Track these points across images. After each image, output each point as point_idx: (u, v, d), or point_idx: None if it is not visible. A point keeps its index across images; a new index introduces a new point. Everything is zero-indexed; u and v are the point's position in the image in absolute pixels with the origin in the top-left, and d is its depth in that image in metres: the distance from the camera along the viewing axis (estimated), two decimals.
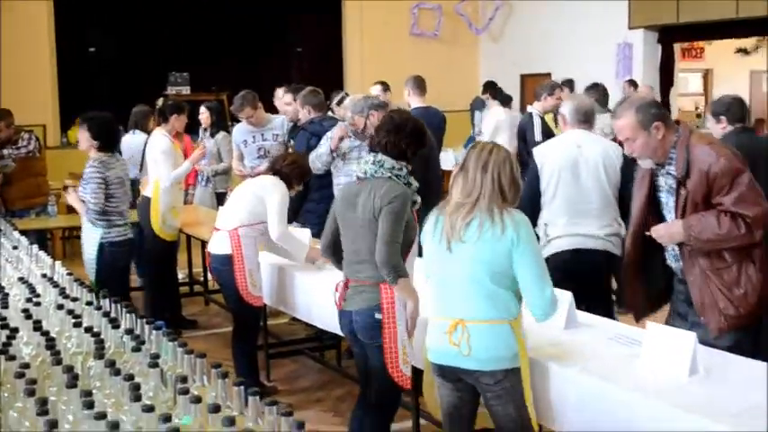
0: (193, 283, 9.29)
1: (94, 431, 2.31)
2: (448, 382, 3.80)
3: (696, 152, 4.02)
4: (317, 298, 5.29)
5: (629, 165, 5.43)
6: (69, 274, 4.29)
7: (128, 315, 3.37)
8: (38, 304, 3.66)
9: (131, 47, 14.81)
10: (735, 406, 3.15)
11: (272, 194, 5.70)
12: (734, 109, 5.65)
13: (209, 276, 7.87)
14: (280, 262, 5.94)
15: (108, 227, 6.23)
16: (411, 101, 8.00)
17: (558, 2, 15.60)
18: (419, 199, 4.36)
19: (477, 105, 14.40)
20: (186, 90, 14.62)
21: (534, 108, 8.83)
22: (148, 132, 8.53)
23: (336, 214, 4.40)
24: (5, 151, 8.67)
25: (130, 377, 2.62)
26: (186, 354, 2.83)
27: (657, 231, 4.16)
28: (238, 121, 8.40)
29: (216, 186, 9.53)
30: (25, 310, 3.50)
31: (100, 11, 14.66)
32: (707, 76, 20.59)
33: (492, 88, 14.76)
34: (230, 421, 2.25)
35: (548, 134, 8.12)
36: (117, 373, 2.67)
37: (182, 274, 9.04)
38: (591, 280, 5.38)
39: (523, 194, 4.49)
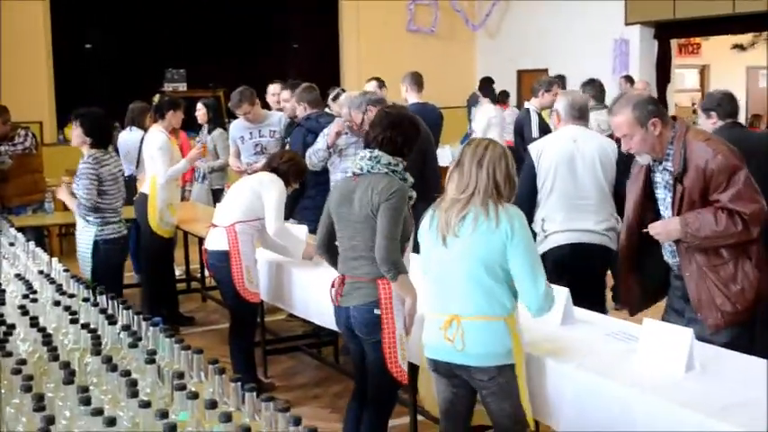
0: (190, 279, 9.30)
1: (91, 427, 2.31)
2: (443, 377, 3.81)
3: (693, 148, 4.03)
4: (315, 294, 5.29)
5: (623, 160, 5.48)
6: (66, 270, 4.29)
7: (125, 311, 3.37)
8: (34, 301, 3.66)
9: (128, 43, 14.79)
10: (731, 401, 3.16)
11: (269, 191, 5.70)
12: (724, 104, 5.66)
13: (207, 273, 7.88)
14: (277, 258, 5.95)
15: (102, 224, 6.21)
16: (408, 97, 8.00)
17: None
18: (414, 194, 4.37)
19: (474, 101, 14.39)
20: (183, 87, 14.61)
21: (531, 104, 8.82)
22: (145, 129, 8.52)
23: (331, 210, 4.39)
24: (2, 148, 8.65)
25: (127, 373, 2.62)
26: (183, 350, 2.82)
27: (654, 228, 4.16)
28: (235, 118, 8.40)
29: (212, 183, 9.53)
30: (22, 307, 3.50)
31: (97, 7, 14.63)
32: (703, 72, 20.58)
33: (488, 84, 14.78)
34: (227, 417, 2.26)
35: (545, 130, 8.11)
36: (114, 369, 2.67)
37: (179, 271, 9.05)
38: (587, 275, 5.43)
39: (519, 190, 4.50)
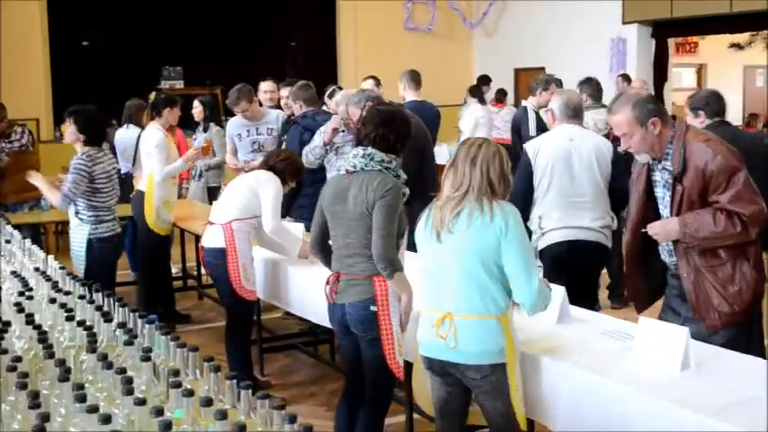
0: (187, 277, 9.29)
1: (86, 425, 2.31)
2: (437, 376, 3.82)
3: (693, 149, 4.02)
4: (311, 292, 5.29)
5: (618, 158, 5.55)
6: (62, 267, 4.29)
7: (120, 309, 3.37)
8: (30, 298, 3.66)
9: (125, 41, 14.77)
10: (726, 400, 3.16)
11: (266, 188, 5.70)
12: (712, 103, 5.67)
13: (203, 271, 7.88)
14: (273, 256, 5.94)
15: (96, 222, 6.16)
16: (406, 95, 8.00)
17: None
18: (407, 191, 4.37)
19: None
20: (180, 84, 14.60)
21: (529, 103, 8.82)
22: (142, 127, 8.51)
23: (324, 209, 4.39)
24: None
25: (123, 371, 2.62)
26: (179, 347, 2.82)
27: (653, 228, 4.16)
28: (232, 116, 8.39)
29: (208, 181, 9.52)
30: (18, 304, 3.50)
31: (94, 5, 14.61)
32: (701, 70, 20.60)
33: (486, 83, 14.78)
34: (222, 415, 2.26)
35: (543, 129, 8.10)
36: (109, 366, 2.67)
37: (175, 269, 9.04)
38: (583, 271, 5.49)
39: (515, 188, 4.51)
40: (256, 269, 5.86)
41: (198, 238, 6.82)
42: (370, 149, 4.27)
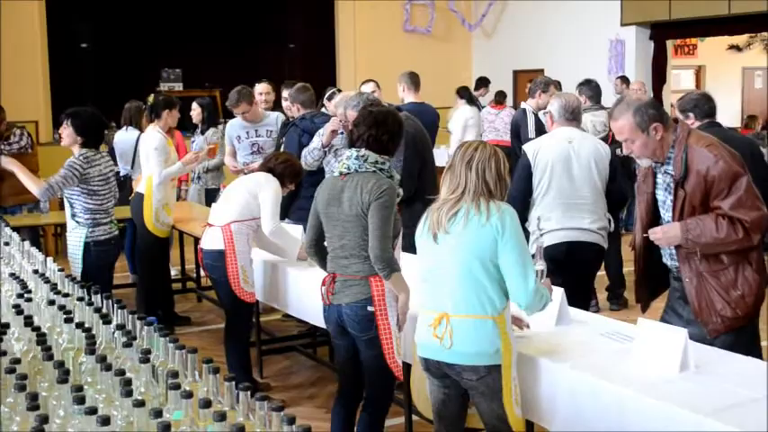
0: (186, 279, 9.29)
1: (85, 426, 2.31)
2: (434, 377, 3.83)
3: (694, 153, 4.01)
4: (310, 294, 5.28)
5: (615, 161, 5.66)
6: (61, 269, 4.30)
7: (119, 311, 3.37)
8: (29, 300, 3.66)
9: (124, 43, 14.76)
10: (725, 401, 3.17)
11: (265, 190, 5.70)
12: (701, 104, 5.68)
13: (202, 273, 7.87)
14: (272, 258, 5.95)
15: (93, 225, 6.10)
16: (405, 96, 7.99)
17: None
18: (402, 191, 4.38)
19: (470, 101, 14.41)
20: (179, 86, 14.58)
21: (528, 105, 8.83)
22: (141, 129, 8.51)
23: (319, 210, 4.40)
24: None
25: (122, 372, 2.62)
26: (177, 349, 2.82)
27: (655, 234, 4.15)
28: (231, 118, 8.39)
29: (207, 183, 9.51)
30: (16, 306, 3.50)
31: (92, 7, 14.60)
32: (699, 72, 20.60)
33: (485, 85, 14.81)
34: (221, 416, 2.26)
35: (541, 131, 8.10)
36: (108, 368, 2.67)
37: (174, 271, 9.04)
38: (581, 272, 5.51)
39: (514, 189, 4.52)
40: (255, 271, 5.86)
41: (197, 240, 6.82)
42: (363, 151, 4.27)
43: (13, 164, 6.37)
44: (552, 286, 4.09)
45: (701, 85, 20.16)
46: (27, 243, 5.11)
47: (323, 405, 5.87)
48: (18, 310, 3.45)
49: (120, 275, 8.59)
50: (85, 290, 3.84)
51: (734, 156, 4.04)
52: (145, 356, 2.76)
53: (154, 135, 7.52)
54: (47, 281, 3.97)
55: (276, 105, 8.69)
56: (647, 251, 4.37)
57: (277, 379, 6.48)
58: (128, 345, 2.98)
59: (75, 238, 6.12)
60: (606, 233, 5.60)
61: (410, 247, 4.25)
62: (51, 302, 3.52)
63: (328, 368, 6.51)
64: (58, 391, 2.54)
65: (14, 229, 6.19)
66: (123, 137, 9.19)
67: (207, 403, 2.36)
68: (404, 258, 4.60)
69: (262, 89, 8.59)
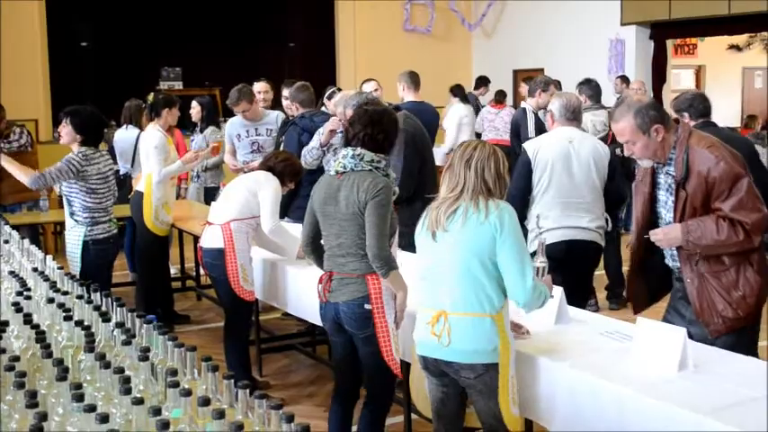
0: (185, 278, 9.29)
1: (84, 424, 2.31)
2: (433, 376, 3.83)
3: (695, 154, 4.00)
4: (309, 293, 5.27)
5: (614, 160, 5.71)
6: (60, 268, 4.30)
7: (118, 309, 3.37)
8: (28, 298, 3.66)
9: (124, 41, 14.76)
10: (724, 400, 3.17)
11: (265, 189, 5.70)
12: (696, 104, 5.68)
13: (202, 271, 7.88)
14: (272, 257, 5.95)
15: (91, 224, 6.10)
16: (405, 96, 7.99)
17: None
18: (398, 189, 4.39)
19: (470, 101, 14.41)
20: (179, 85, 14.58)
21: (528, 104, 8.83)
22: (141, 127, 8.51)
23: (315, 209, 4.40)
24: None
25: (121, 370, 2.62)
26: (176, 347, 2.82)
27: (656, 235, 4.14)
28: (230, 117, 8.39)
29: (206, 181, 9.51)
30: (16, 304, 3.50)
31: (92, 6, 14.61)
32: (699, 72, 20.59)
33: (485, 84, 14.81)
34: (220, 414, 2.26)
35: (541, 130, 8.10)
36: (107, 366, 2.67)
37: (174, 270, 9.04)
38: (580, 270, 5.54)
39: (514, 187, 4.52)
40: (255, 269, 5.86)
41: (196, 238, 6.82)
42: (359, 150, 4.28)
43: (3, 160, 6.34)
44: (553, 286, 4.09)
45: (701, 85, 20.16)
46: (26, 241, 5.11)
47: (322, 403, 5.87)
48: (17, 307, 3.45)
49: (119, 274, 8.59)
50: (85, 288, 3.85)
51: (735, 157, 4.03)
52: (144, 354, 2.76)
53: (154, 133, 7.52)
54: (46, 279, 3.97)
55: (275, 104, 8.69)
56: (648, 252, 4.36)
57: (276, 377, 6.48)
58: (127, 343, 2.98)
59: (74, 237, 6.12)
60: (603, 232, 5.64)
61: (410, 246, 4.25)
62: (51, 300, 3.52)
63: (327, 367, 6.51)
64: (57, 388, 2.54)
65: (14, 227, 6.19)
66: (123, 135, 9.19)
67: (206, 401, 2.36)
68: (402, 257, 4.60)
69: (260, 88, 8.59)
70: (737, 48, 19.45)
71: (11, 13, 13.35)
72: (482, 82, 14.92)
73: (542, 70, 14.60)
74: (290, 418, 2.23)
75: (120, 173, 8.90)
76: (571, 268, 5.37)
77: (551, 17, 15.70)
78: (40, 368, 2.83)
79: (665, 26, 14.70)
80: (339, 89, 8.22)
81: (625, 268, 8.06)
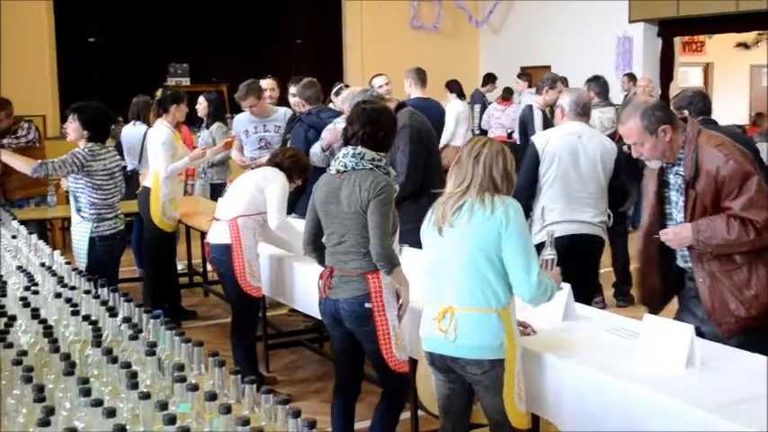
0: (193, 274, 9.30)
1: (91, 418, 2.31)
2: (439, 372, 3.83)
3: (704, 153, 3.97)
4: (316, 289, 5.28)
5: (620, 157, 5.70)
6: (68, 263, 4.31)
7: (125, 304, 3.38)
8: (36, 293, 3.67)
9: (131, 37, 14.78)
10: (731, 398, 3.16)
11: (272, 185, 5.70)
12: (696, 102, 5.66)
13: (209, 267, 7.88)
14: (279, 253, 5.95)
15: (97, 220, 6.07)
16: (412, 92, 7.99)
17: None
18: (398, 187, 4.40)
19: (477, 98, 14.42)
20: (186, 81, 14.60)
21: (535, 101, 8.82)
22: (149, 123, 8.52)
23: (317, 207, 4.41)
24: (5, 141, 8.65)
25: (128, 365, 2.63)
26: (183, 342, 2.83)
27: (666, 235, 4.12)
28: (237, 113, 8.38)
29: (211, 178, 9.50)
30: (23, 299, 3.51)
31: (100, 2, 14.63)
32: (707, 70, 20.56)
33: (492, 81, 14.80)
34: (226, 409, 2.26)
35: (549, 127, 8.10)
36: (114, 360, 2.68)
37: (181, 265, 9.05)
38: (582, 265, 5.53)
39: (521, 178, 4.52)
40: (262, 265, 5.86)
41: (204, 234, 6.83)
42: (360, 148, 4.28)
43: (9, 158, 6.34)
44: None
45: (708, 83, 20.13)
46: (34, 236, 5.13)
47: (329, 399, 5.84)
48: (25, 302, 3.46)
49: (126, 270, 8.60)
50: (92, 283, 3.86)
51: (745, 155, 4.01)
52: (151, 349, 2.76)
53: (161, 129, 7.53)
54: (54, 274, 3.99)
55: (281, 102, 8.68)
56: (659, 253, 4.34)
57: (283, 373, 6.48)
58: (134, 338, 2.99)
59: (80, 233, 6.11)
60: (605, 227, 5.68)
61: (417, 243, 4.26)
62: (58, 295, 3.54)
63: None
64: (65, 383, 2.55)
65: (22, 222, 6.20)
66: (131, 131, 9.19)
67: (212, 396, 2.36)
68: (406, 253, 4.62)
69: (267, 85, 8.58)
70: (745, 45, 19.41)
71: (19, 9, 13.38)
72: (489, 79, 14.91)
73: (549, 67, 14.57)
74: (296, 414, 2.23)
75: (128, 169, 8.91)
76: (574, 262, 5.35)
77: (559, 14, 15.68)
78: (48, 363, 2.84)
79: (673, 23, 14.67)
80: (347, 86, 8.22)
81: (633, 266, 8.08)
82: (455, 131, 11.68)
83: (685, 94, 5.85)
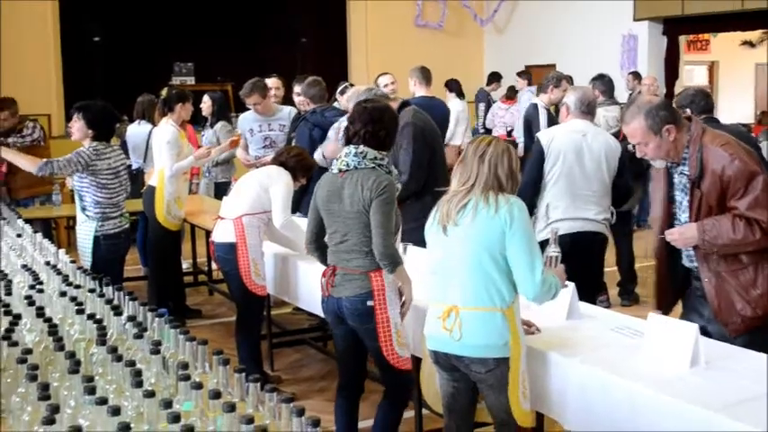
0: (197, 272, 9.31)
1: (96, 417, 2.32)
2: (444, 371, 3.84)
3: (709, 153, 3.95)
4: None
5: (623, 156, 5.71)
6: (72, 261, 4.31)
7: (130, 302, 3.38)
8: (41, 291, 3.67)
9: (136, 36, 14.77)
10: (736, 397, 3.15)
11: (276, 183, 5.71)
12: (698, 100, 5.66)
13: (214, 266, 7.89)
14: (283, 251, 5.95)
15: (102, 219, 6.08)
16: (416, 91, 7.99)
17: None
18: (400, 186, 4.41)
19: (481, 97, 14.41)
20: (191, 80, 14.60)
21: (539, 100, 8.81)
22: (154, 122, 8.52)
23: (319, 207, 4.42)
24: (10, 140, 8.67)
25: (132, 363, 2.63)
26: (188, 341, 2.83)
27: (671, 234, 4.11)
28: (242, 112, 8.39)
29: (216, 177, 9.50)
30: (28, 297, 3.52)
31: (105, 1, 14.63)
32: (712, 68, 20.53)
33: (497, 80, 14.79)
34: (231, 407, 2.26)
35: (554, 125, 8.10)
36: (119, 359, 2.68)
37: (186, 264, 9.06)
38: (587, 261, 5.54)
39: (527, 175, 4.52)
40: (267, 264, 5.87)
41: (208, 233, 6.83)
42: (362, 147, 4.29)
43: (6, 152, 6.34)
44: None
45: (713, 82, 20.10)
46: (39, 235, 5.14)
47: (333, 398, 5.83)
48: (30, 301, 3.46)
49: (131, 268, 8.62)
50: (97, 282, 3.86)
51: (750, 154, 3.99)
52: (155, 348, 2.77)
53: (167, 128, 7.53)
54: (59, 272, 3.99)
55: (286, 101, 8.69)
56: (667, 253, 4.33)
57: (288, 372, 6.49)
58: (138, 336, 2.99)
59: (85, 232, 6.12)
60: (608, 224, 5.71)
61: (420, 241, 4.26)
62: (63, 294, 3.54)
63: None
64: (70, 381, 2.55)
65: (27, 221, 6.21)
66: (136, 130, 9.20)
67: (217, 394, 2.37)
68: (410, 252, 4.62)
69: (272, 84, 8.58)
70: (751, 44, 19.37)
71: (23, 9, 13.38)
72: (494, 78, 14.91)
73: (554, 66, 14.55)
74: (300, 412, 2.23)
75: (133, 168, 8.92)
76: (577, 260, 5.35)
77: (564, 13, 15.66)
78: (53, 361, 2.84)
79: (678, 22, 14.64)
80: (352, 84, 8.22)
81: (638, 265, 8.08)
82: (454, 131, 11.69)
83: (687, 93, 5.85)
